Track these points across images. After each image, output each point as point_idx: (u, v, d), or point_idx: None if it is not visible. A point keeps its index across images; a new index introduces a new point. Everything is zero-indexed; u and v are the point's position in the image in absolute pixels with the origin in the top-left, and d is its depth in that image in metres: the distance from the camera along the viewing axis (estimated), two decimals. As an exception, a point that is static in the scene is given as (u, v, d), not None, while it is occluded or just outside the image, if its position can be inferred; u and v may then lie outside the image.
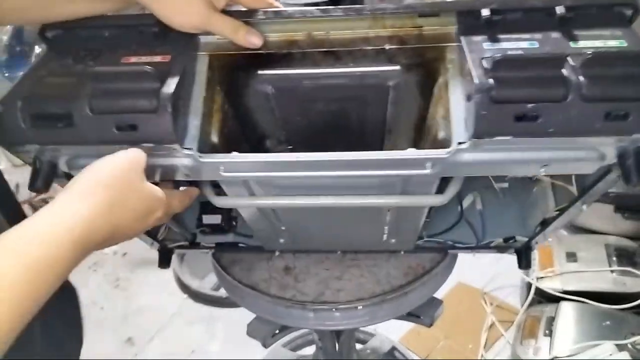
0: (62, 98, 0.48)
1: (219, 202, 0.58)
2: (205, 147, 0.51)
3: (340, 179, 0.53)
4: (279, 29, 0.55)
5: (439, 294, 0.81)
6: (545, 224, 0.68)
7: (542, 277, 1.43)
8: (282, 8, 0.54)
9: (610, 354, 1.18)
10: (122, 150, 0.48)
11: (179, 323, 1.65)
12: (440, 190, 0.55)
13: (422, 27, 0.53)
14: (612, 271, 1.39)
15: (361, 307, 0.71)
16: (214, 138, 0.56)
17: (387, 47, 0.53)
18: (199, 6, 0.50)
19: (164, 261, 0.78)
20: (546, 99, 0.43)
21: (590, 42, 0.47)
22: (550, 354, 1.23)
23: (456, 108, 0.48)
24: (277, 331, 0.94)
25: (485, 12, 0.49)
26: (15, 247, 0.37)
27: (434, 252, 0.76)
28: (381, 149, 0.81)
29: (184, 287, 1.74)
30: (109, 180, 0.44)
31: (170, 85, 0.47)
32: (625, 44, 0.46)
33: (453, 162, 0.48)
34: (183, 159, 0.51)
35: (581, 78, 0.43)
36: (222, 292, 1.64)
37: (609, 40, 0.47)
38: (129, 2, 0.54)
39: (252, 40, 0.53)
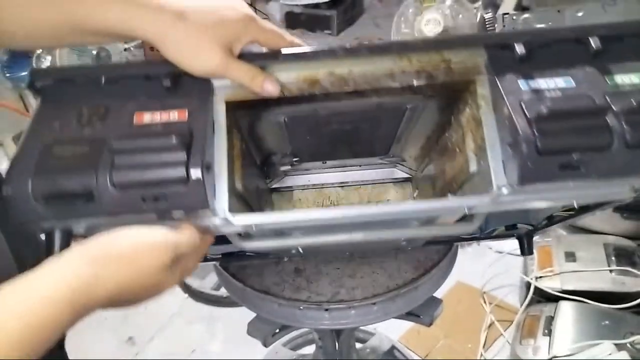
0: (79, 174, 0.44)
1: (247, 246, 0.54)
2: (233, 199, 0.49)
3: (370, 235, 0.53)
4: (299, 71, 0.52)
5: (438, 294, 0.81)
6: (552, 219, 0.68)
7: (541, 277, 1.44)
8: (303, 48, 0.52)
9: (610, 354, 1.18)
10: (160, 228, 0.44)
11: (180, 323, 1.65)
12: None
13: (450, 60, 0.51)
14: (611, 271, 1.40)
15: (375, 303, 0.72)
16: (239, 186, 0.54)
17: (414, 82, 0.51)
18: (216, 52, 0.47)
19: None
20: (590, 148, 0.44)
21: (627, 76, 0.47)
22: (550, 354, 1.24)
23: (493, 150, 0.48)
24: (277, 330, 0.94)
25: (520, 49, 0.48)
26: (13, 303, 0.36)
27: (440, 244, 0.77)
28: (387, 154, 0.81)
29: (185, 287, 1.75)
30: (122, 262, 0.41)
31: (198, 152, 0.44)
32: None
33: (495, 204, 0.48)
34: (214, 219, 0.48)
35: (625, 125, 0.43)
36: (223, 292, 1.64)
37: None
38: (117, 37, 0.50)
39: (269, 89, 0.50)
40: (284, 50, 0.51)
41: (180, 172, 0.44)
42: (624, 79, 0.47)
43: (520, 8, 1.72)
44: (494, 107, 0.49)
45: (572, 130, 0.44)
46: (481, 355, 1.47)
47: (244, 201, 0.58)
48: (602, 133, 0.44)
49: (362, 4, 3.47)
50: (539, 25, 1.64)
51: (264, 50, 0.52)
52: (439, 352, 1.50)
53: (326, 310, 0.72)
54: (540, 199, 0.48)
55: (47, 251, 0.47)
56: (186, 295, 1.74)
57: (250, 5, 2.45)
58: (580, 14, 1.58)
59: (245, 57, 0.50)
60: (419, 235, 0.60)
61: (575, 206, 0.49)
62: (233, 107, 0.52)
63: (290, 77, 0.51)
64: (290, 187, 0.86)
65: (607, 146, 0.44)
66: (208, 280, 1.73)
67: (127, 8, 0.47)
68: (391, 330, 1.43)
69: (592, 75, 0.47)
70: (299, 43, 0.53)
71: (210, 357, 1.54)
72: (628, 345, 1.20)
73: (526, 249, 0.75)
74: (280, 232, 0.56)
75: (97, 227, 0.47)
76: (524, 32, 0.50)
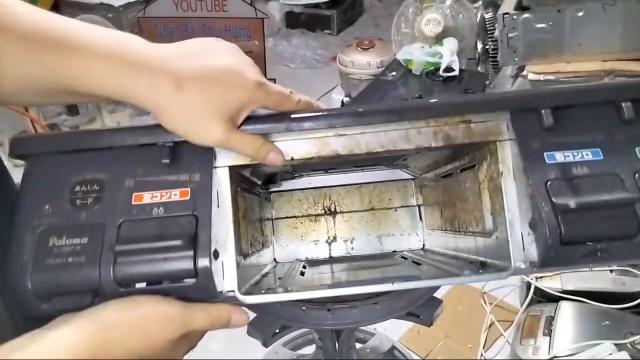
0: (81, 272, 0.41)
1: (250, 300, 0.52)
2: (240, 270, 0.48)
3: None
4: (307, 135, 0.48)
5: (438, 294, 0.81)
6: None
7: (541, 277, 1.44)
8: (311, 109, 0.49)
9: (610, 354, 1.18)
10: (176, 302, 0.42)
11: (180, 322, 1.66)
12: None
13: (470, 120, 0.47)
14: (611, 271, 1.40)
15: (378, 302, 0.71)
16: (247, 250, 0.53)
17: (431, 145, 0.47)
18: (216, 125, 0.43)
19: None
20: (615, 237, 0.42)
21: None
22: (550, 354, 1.23)
23: (513, 223, 0.45)
24: (277, 330, 0.94)
25: (548, 118, 0.45)
26: None
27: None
28: (392, 165, 0.80)
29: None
30: (139, 326, 0.39)
31: (205, 243, 0.42)
32: None
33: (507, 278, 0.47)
34: (227, 300, 0.46)
35: None
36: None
37: None
38: (107, 101, 0.46)
39: (273, 160, 0.47)
40: (293, 116, 0.48)
41: (187, 266, 0.42)
42: None
43: (520, 8, 1.72)
44: (514, 176, 0.46)
45: (598, 220, 0.42)
46: (481, 355, 1.47)
47: (247, 255, 0.57)
48: (629, 223, 0.42)
49: (362, 4, 3.48)
50: (538, 26, 1.64)
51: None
52: (439, 352, 1.50)
53: (330, 310, 0.72)
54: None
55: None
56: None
57: (250, 4, 2.44)
58: (580, 14, 1.58)
59: (248, 121, 0.46)
60: (434, 285, 0.58)
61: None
62: (236, 171, 0.49)
63: (299, 143, 0.48)
64: (290, 188, 0.86)
65: (634, 236, 0.42)
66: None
67: (119, 72, 0.42)
68: (391, 330, 1.43)
69: (622, 146, 0.44)
70: (306, 102, 0.50)
71: (210, 357, 1.54)
72: (628, 345, 1.20)
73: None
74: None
75: None
76: (551, 93, 0.46)
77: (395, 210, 0.84)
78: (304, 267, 0.76)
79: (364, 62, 2.13)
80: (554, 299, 1.39)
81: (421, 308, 0.82)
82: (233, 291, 0.45)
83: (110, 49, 0.42)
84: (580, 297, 1.36)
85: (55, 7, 2.82)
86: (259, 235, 0.71)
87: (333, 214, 0.84)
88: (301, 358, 1.22)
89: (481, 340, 1.50)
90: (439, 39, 1.76)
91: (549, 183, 0.43)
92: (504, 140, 0.46)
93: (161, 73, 0.42)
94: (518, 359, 1.29)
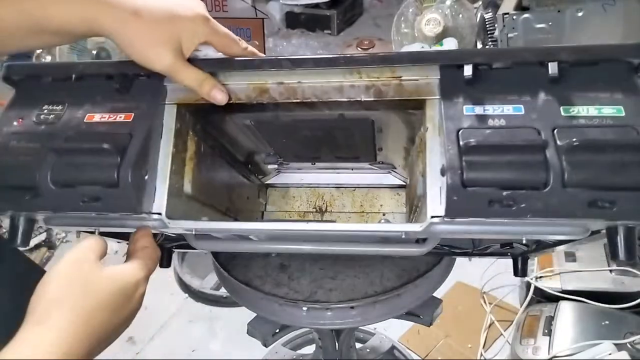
0: (23, 169, 0.47)
1: (199, 245, 0.56)
2: (179, 202, 0.51)
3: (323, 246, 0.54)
4: (249, 79, 0.52)
5: (438, 294, 0.81)
6: (540, 243, 0.65)
7: (541, 277, 1.44)
8: (256, 56, 0.53)
9: (610, 354, 1.18)
10: (71, 249, 0.45)
11: (180, 322, 1.65)
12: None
13: (401, 77, 0.49)
14: (611, 271, 1.40)
15: (354, 307, 0.71)
16: (188, 189, 0.55)
17: (362, 98, 0.50)
18: (166, 52, 0.49)
19: (164, 260, 0.78)
20: (523, 186, 0.40)
21: (584, 107, 0.43)
22: (550, 354, 1.24)
23: (432, 176, 0.45)
24: (277, 330, 0.94)
25: (468, 71, 0.45)
26: None
27: (430, 255, 0.76)
28: (374, 161, 0.81)
29: (185, 287, 1.75)
30: (58, 294, 0.41)
31: (131, 157, 0.46)
32: (622, 113, 0.42)
33: (428, 232, 0.46)
34: (153, 222, 0.50)
35: (564, 164, 0.40)
36: (223, 292, 1.64)
37: (605, 107, 0.42)
38: (76, 36, 0.51)
39: (216, 96, 0.51)
40: (236, 58, 0.52)
41: (111, 175, 0.46)
42: (580, 110, 0.43)
43: (520, 8, 1.72)
44: (438, 132, 0.46)
45: (504, 164, 0.41)
46: (481, 355, 1.47)
47: (200, 202, 0.59)
48: (537, 170, 0.40)
49: (362, 4, 3.47)
50: (538, 26, 1.64)
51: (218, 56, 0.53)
52: (439, 352, 1.50)
53: (305, 308, 0.72)
54: (476, 232, 0.46)
55: (10, 234, 0.50)
56: (186, 295, 1.74)
57: (251, 5, 2.45)
58: (580, 14, 1.58)
59: (195, 62, 0.51)
60: (370, 252, 0.59)
61: (524, 242, 0.47)
62: (192, 109, 0.53)
63: (240, 85, 0.52)
64: (286, 184, 0.87)
65: (543, 185, 0.40)
66: (208, 280, 1.73)
67: (84, 5, 0.48)
68: (391, 330, 1.43)
69: (546, 104, 0.43)
70: (253, 51, 0.54)
71: (211, 357, 1.54)
72: (628, 345, 1.20)
73: (520, 270, 0.72)
74: (228, 236, 0.57)
75: (51, 220, 0.51)
76: (480, 51, 0.47)
77: (384, 215, 0.84)
78: None
79: (364, 62, 2.12)
80: (553, 298, 1.39)
81: (421, 308, 0.82)
82: (160, 214, 0.48)
83: None
84: (580, 297, 1.36)
85: None
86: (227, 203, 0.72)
87: (322, 212, 0.85)
88: (301, 358, 1.22)
89: (481, 340, 1.50)
90: (439, 39, 1.76)
91: (461, 131, 0.43)
92: (433, 98, 0.47)
93: (122, 4, 0.48)
94: (518, 358, 1.29)
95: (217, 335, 1.61)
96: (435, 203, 0.44)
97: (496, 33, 1.75)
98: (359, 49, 2.16)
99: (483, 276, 1.65)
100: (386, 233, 0.49)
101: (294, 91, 0.51)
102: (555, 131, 0.41)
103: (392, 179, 0.85)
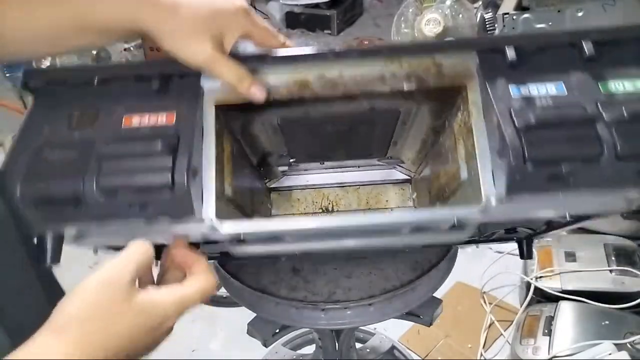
0: (67, 179, 0.44)
1: (239, 251, 0.54)
2: (222, 206, 0.49)
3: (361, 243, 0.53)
4: (290, 73, 0.51)
5: (438, 294, 0.81)
6: (551, 224, 0.67)
7: (541, 277, 1.44)
8: (295, 50, 0.52)
9: (610, 354, 1.18)
10: (109, 261, 0.42)
11: (180, 322, 1.65)
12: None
13: (441, 64, 0.50)
14: (611, 271, 1.40)
15: (372, 304, 0.72)
16: (229, 190, 0.54)
17: (405, 86, 0.50)
18: (205, 46, 0.48)
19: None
20: (580, 159, 0.43)
21: (620, 82, 0.46)
22: (550, 354, 1.24)
23: (483, 158, 0.47)
24: (277, 330, 0.94)
25: (511, 53, 0.47)
26: None
27: (439, 247, 0.76)
28: (385, 156, 0.81)
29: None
30: (82, 313, 0.40)
31: (184, 158, 0.44)
32: None
33: (480, 219, 0.47)
34: (201, 226, 0.47)
35: (615, 136, 0.43)
36: (223, 292, 1.64)
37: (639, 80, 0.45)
38: (118, 34, 0.51)
39: (256, 94, 0.49)
40: (276, 52, 0.51)
41: (165, 178, 0.44)
42: (617, 85, 0.46)
43: (520, 8, 1.72)
44: (484, 114, 0.48)
45: (561, 140, 0.43)
46: (481, 355, 1.47)
47: (235, 205, 0.58)
48: (592, 144, 0.43)
49: (362, 4, 3.47)
50: (538, 26, 1.64)
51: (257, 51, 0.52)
52: (439, 352, 1.50)
53: (323, 310, 0.72)
54: (531, 210, 0.47)
55: (38, 253, 0.46)
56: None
57: (251, 4, 2.45)
58: (580, 14, 1.58)
59: (236, 57, 0.49)
60: (409, 243, 0.59)
61: (568, 218, 0.49)
62: (224, 110, 0.51)
63: (281, 79, 0.51)
64: (290, 187, 0.86)
65: (597, 157, 0.43)
66: (208, 280, 1.73)
67: (128, 3, 0.48)
68: (391, 330, 1.43)
69: (585, 82, 0.46)
70: (290, 45, 0.53)
71: (211, 356, 1.54)
72: (628, 345, 1.20)
73: (525, 253, 0.74)
74: (272, 237, 0.55)
75: (88, 233, 0.47)
76: (516, 36, 0.48)
77: (392, 210, 0.84)
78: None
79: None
80: (553, 298, 1.39)
81: (421, 308, 0.82)
82: (211, 220, 0.46)
83: None
84: (580, 297, 1.36)
85: None
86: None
87: (329, 212, 0.86)
88: (301, 358, 1.22)
89: (481, 340, 1.50)
90: (439, 39, 1.76)
91: (513, 110, 0.44)
92: (473, 83, 0.49)
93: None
94: (518, 359, 1.29)
95: (217, 335, 1.61)
96: (489, 185, 0.46)
97: (496, 33, 1.75)
98: (359, 49, 2.15)
99: (483, 276, 1.65)
100: (439, 217, 0.49)
101: (335, 84, 0.51)
102: (600, 106, 0.44)
103: (397, 174, 0.85)
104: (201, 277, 0.46)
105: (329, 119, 0.62)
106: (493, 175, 0.46)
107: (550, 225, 0.68)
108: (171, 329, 0.46)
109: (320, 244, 0.55)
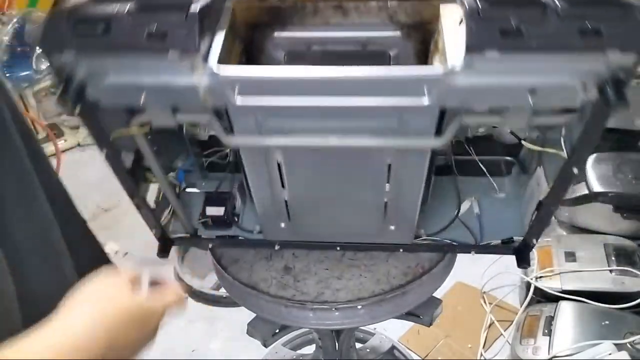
0: (104, 6, 0.52)
1: (228, 140, 0.59)
2: (227, 54, 0.57)
3: (342, 111, 0.56)
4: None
5: (438, 294, 0.81)
6: (541, 207, 0.68)
7: (541, 277, 1.44)
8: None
9: (609, 354, 1.18)
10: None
11: (180, 322, 1.65)
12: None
13: None
14: (611, 271, 1.40)
15: (361, 306, 0.72)
16: (235, 61, 0.62)
17: (389, 2, 0.62)
18: None
19: (164, 250, 0.78)
20: (527, 17, 0.49)
21: None
22: (550, 354, 1.24)
23: (448, 38, 0.54)
24: (277, 330, 0.94)
25: None
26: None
27: (433, 251, 0.76)
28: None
29: (185, 287, 1.75)
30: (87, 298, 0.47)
31: (200, 3, 0.52)
32: None
33: (447, 87, 0.51)
34: (202, 77, 0.52)
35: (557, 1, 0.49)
36: (223, 292, 1.64)
37: None
38: None
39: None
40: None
41: (182, 12, 0.51)
42: None
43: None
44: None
45: (511, 2, 0.50)
46: (481, 355, 1.48)
47: (244, 46, 0.65)
48: (537, 4, 0.49)
49: None
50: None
51: None
52: (439, 352, 1.50)
53: (311, 310, 0.73)
54: (491, 82, 0.51)
55: (61, 93, 0.52)
56: (186, 295, 1.74)
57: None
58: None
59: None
60: (390, 144, 0.60)
61: (531, 103, 0.51)
62: (239, 23, 0.62)
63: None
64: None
65: (541, 16, 0.48)
66: (208, 280, 1.73)
67: None
68: (391, 330, 1.43)
69: None
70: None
71: (211, 356, 1.54)
72: (628, 345, 1.20)
73: (523, 262, 0.76)
74: (258, 122, 0.58)
75: (104, 73, 0.53)
76: None
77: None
78: None
79: (364, 62, 2.12)
80: (553, 299, 1.39)
81: (421, 308, 0.82)
82: (211, 67, 0.52)
83: None
84: (580, 297, 1.36)
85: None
86: None
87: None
88: (301, 358, 1.23)
89: (481, 340, 1.50)
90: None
91: None
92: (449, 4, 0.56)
93: None
94: (518, 358, 1.30)
95: (217, 335, 1.61)
96: (452, 57, 0.51)
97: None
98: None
99: (483, 276, 1.65)
100: (406, 76, 0.53)
101: None
102: None
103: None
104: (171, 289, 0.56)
105: (326, 54, 0.68)
106: (457, 50, 0.51)
107: (540, 208, 0.67)
108: (156, 331, 0.53)
109: (307, 139, 0.58)
